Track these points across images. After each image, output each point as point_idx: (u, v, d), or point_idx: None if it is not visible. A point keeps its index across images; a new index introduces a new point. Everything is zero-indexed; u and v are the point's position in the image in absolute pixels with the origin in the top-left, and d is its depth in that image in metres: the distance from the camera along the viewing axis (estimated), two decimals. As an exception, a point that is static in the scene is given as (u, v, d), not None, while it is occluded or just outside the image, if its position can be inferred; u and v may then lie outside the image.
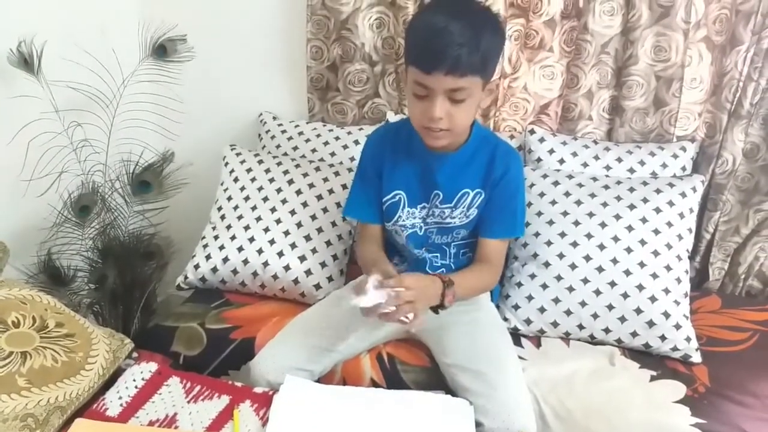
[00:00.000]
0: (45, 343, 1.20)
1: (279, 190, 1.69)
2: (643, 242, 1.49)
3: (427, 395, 1.25)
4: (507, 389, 1.24)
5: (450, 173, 1.35)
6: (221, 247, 1.66)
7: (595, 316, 1.47)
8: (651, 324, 1.44)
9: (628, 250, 1.49)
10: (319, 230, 1.64)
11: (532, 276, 1.52)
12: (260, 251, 1.63)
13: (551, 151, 1.72)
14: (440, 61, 1.15)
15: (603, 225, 1.52)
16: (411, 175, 1.38)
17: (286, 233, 1.63)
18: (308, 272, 1.60)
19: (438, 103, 1.19)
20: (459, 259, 1.45)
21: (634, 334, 1.46)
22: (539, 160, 1.73)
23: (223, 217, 1.71)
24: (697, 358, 1.44)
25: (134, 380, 1.25)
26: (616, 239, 1.50)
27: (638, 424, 1.29)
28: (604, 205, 1.55)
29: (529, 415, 1.25)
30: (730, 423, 1.28)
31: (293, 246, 1.62)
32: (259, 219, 1.66)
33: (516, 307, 1.52)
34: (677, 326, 1.44)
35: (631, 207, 1.53)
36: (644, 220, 1.52)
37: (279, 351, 1.35)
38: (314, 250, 1.62)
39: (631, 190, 1.57)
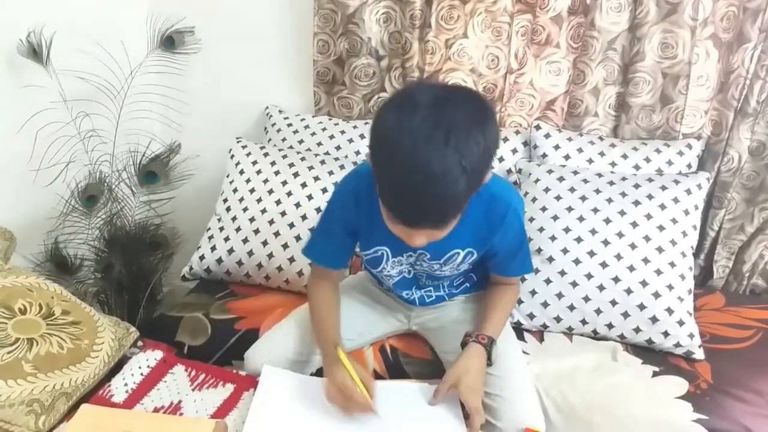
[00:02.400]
0: (51, 330, 1.21)
1: (284, 183, 1.70)
2: (647, 238, 1.49)
3: (409, 384, 1.25)
4: (514, 388, 1.23)
5: None
6: (226, 239, 1.67)
7: (598, 311, 1.47)
8: (654, 320, 1.44)
9: (633, 246, 1.49)
10: (324, 223, 1.64)
11: (536, 271, 1.52)
12: (265, 243, 1.64)
13: (557, 147, 1.73)
14: (420, 223, 1.01)
15: (608, 221, 1.52)
16: (392, 233, 1.15)
17: (291, 225, 1.64)
18: (313, 264, 1.60)
19: (418, 238, 1.04)
20: (453, 288, 1.39)
21: (637, 330, 1.46)
22: (544, 155, 1.73)
23: (228, 209, 1.72)
24: (700, 354, 1.45)
25: (140, 368, 1.26)
26: (620, 235, 1.50)
27: (640, 419, 1.29)
28: (609, 201, 1.55)
29: (537, 413, 1.24)
30: (731, 419, 1.28)
31: (297, 238, 1.63)
32: (264, 211, 1.67)
33: (519, 301, 1.52)
34: (680, 322, 1.44)
35: (636, 203, 1.54)
36: (649, 217, 1.52)
37: (274, 343, 1.34)
38: (319, 243, 1.62)
39: (636, 186, 1.57)
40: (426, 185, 0.94)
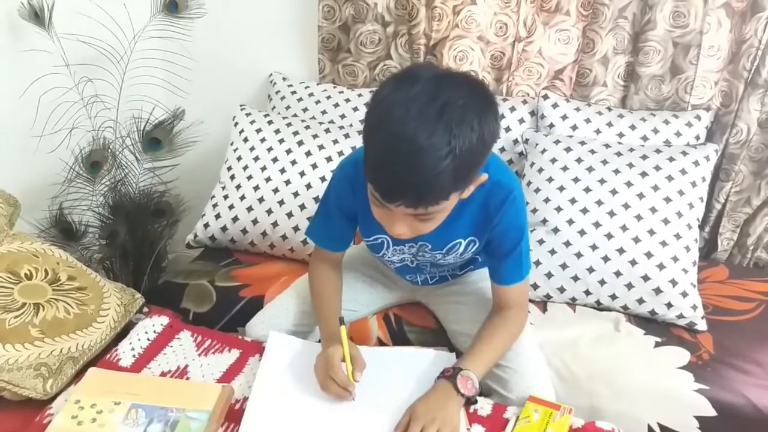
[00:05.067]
0: (57, 296, 1.22)
1: (288, 151, 1.69)
2: (653, 210, 1.49)
3: (409, 350, 1.26)
4: (523, 360, 1.22)
5: (436, 228, 1.11)
6: (231, 207, 1.67)
7: (602, 282, 1.47)
8: (658, 291, 1.44)
9: (638, 217, 1.48)
10: (329, 191, 1.64)
11: (541, 241, 1.52)
12: (269, 212, 1.63)
13: (564, 117, 1.71)
14: (395, 199, 0.95)
15: (614, 192, 1.51)
16: None
17: (296, 194, 1.64)
18: (317, 233, 1.60)
19: (397, 223, 1.01)
20: (457, 271, 1.37)
21: (641, 301, 1.46)
22: (552, 125, 1.71)
23: (232, 177, 1.71)
24: (702, 326, 1.45)
25: (146, 333, 1.27)
26: (626, 206, 1.49)
27: (641, 388, 1.31)
28: (616, 172, 1.54)
29: (546, 383, 1.23)
30: (732, 389, 1.29)
31: (302, 207, 1.62)
32: (268, 180, 1.66)
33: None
34: (684, 294, 1.44)
35: (643, 174, 1.53)
36: (656, 188, 1.51)
37: (274, 315, 1.34)
38: (323, 211, 1.62)
39: (644, 157, 1.56)
40: (408, 157, 0.90)
